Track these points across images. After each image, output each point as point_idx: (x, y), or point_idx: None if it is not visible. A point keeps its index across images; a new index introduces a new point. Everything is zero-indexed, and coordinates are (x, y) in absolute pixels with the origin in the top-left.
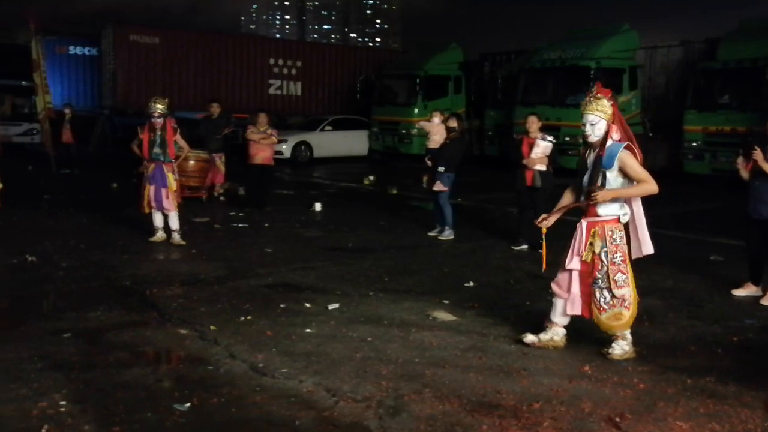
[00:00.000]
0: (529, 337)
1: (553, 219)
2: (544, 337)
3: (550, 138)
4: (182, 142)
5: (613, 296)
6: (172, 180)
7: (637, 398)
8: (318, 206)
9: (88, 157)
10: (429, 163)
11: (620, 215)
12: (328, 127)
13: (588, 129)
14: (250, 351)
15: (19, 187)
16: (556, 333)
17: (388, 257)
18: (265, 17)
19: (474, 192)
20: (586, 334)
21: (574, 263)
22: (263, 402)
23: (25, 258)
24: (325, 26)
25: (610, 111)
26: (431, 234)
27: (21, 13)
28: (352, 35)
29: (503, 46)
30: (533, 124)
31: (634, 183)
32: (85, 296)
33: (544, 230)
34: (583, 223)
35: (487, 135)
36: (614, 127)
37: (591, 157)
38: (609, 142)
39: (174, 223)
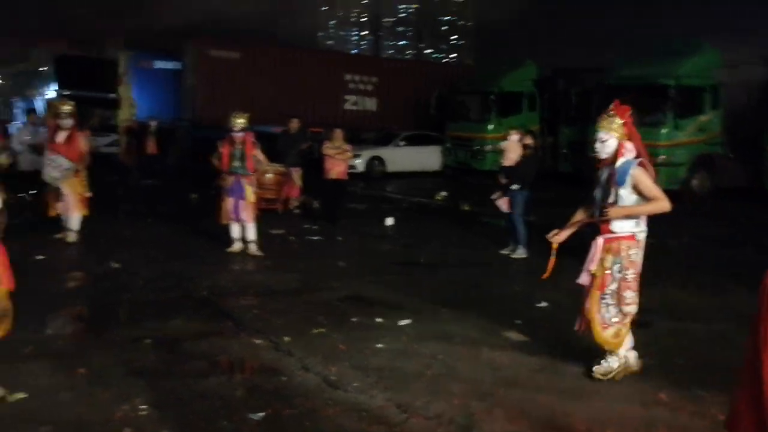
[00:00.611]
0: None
1: (564, 234)
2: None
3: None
4: (261, 156)
5: (620, 312)
6: (250, 192)
7: (715, 430)
8: (390, 221)
9: (169, 169)
10: (503, 180)
11: (636, 232)
12: (402, 142)
13: (598, 146)
14: (323, 363)
15: (105, 197)
16: (629, 358)
17: (460, 274)
18: (341, 33)
19: (547, 209)
20: (663, 360)
21: (583, 278)
22: (335, 415)
23: (109, 266)
24: (400, 42)
25: (621, 130)
26: (504, 252)
27: (111, 28)
28: (426, 51)
29: (578, 62)
30: None
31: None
32: (165, 305)
33: (555, 245)
34: (599, 240)
35: (561, 152)
36: (627, 145)
37: (604, 174)
38: (621, 160)
39: (251, 234)
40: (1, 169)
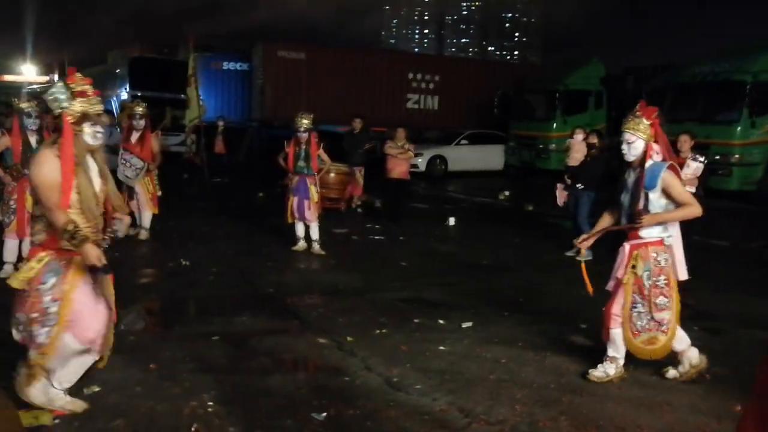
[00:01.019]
0: (671, 372)
1: (591, 240)
2: (683, 369)
3: (702, 159)
4: (324, 156)
5: (651, 319)
6: (314, 192)
7: None
8: (452, 221)
9: (238, 167)
10: (568, 180)
11: (664, 237)
12: (464, 141)
13: (624, 147)
14: (386, 365)
15: (175, 195)
16: (691, 358)
17: (524, 276)
18: (404, 32)
19: None
20: (737, 369)
21: (610, 285)
22: (397, 417)
23: (179, 262)
24: (464, 40)
25: (649, 131)
26: (568, 254)
27: (182, 31)
28: (490, 49)
29: (647, 61)
30: (685, 143)
31: (674, 205)
32: (232, 301)
33: (583, 251)
34: (626, 246)
35: None
36: (655, 147)
37: (631, 178)
38: (649, 162)
39: (315, 233)
40: None
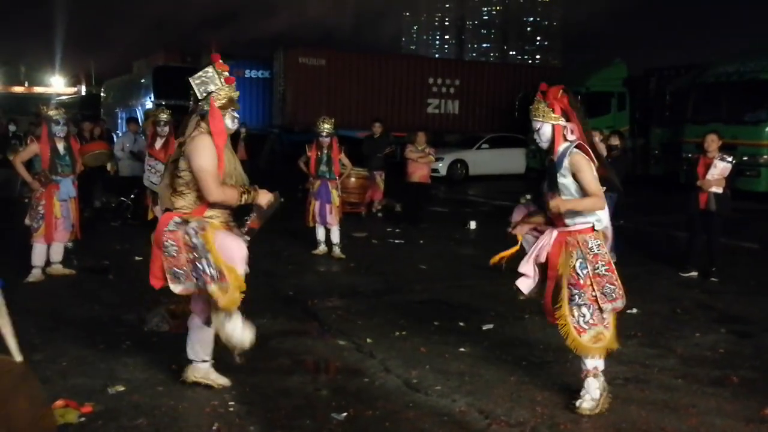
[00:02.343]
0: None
1: (525, 228)
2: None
3: (730, 159)
4: (346, 160)
5: (599, 311)
6: (335, 196)
7: None
8: (473, 224)
9: (259, 173)
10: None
11: (593, 222)
12: (485, 145)
13: (535, 137)
14: (405, 366)
15: None
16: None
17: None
18: (425, 37)
19: (637, 213)
20: (767, 373)
21: (528, 268)
22: (416, 418)
23: None
24: (484, 44)
25: (551, 113)
26: None
27: (205, 40)
28: (511, 53)
29: (670, 62)
30: (713, 143)
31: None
32: (253, 303)
33: (519, 237)
34: (554, 232)
35: (653, 153)
36: (569, 127)
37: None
38: (562, 146)
39: (336, 237)
40: (109, 174)
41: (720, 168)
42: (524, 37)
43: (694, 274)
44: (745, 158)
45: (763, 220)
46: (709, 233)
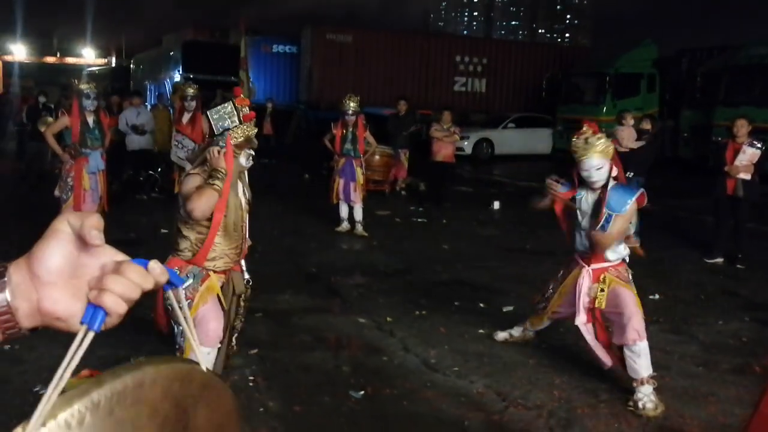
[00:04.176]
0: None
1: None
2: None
3: (759, 144)
4: (371, 139)
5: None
6: (360, 174)
7: None
8: (497, 205)
9: (285, 149)
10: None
11: (625, 256)
12: (511, 125)
13: (593, 175)
14: (424, 346)
15: None
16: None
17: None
18: (453, 14)
19: (664, 197)
20: None
21: (581, 318)
22: (434, 398)
23: None
24: (513, 22)
25: (611, 149)
26: None
27: (234, 15)
28: (540, 31)
29: (702, 42)
30: (742, 128)
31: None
32: (276, 279)
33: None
34: (589, 270)
35: (682, 136)
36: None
37: (590, 198)
38: (612, 183)
39: (358, 215)
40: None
41: (749, 154)
42: (554, 16)
43: (720, 260)
44: None
45: None
46: (736, 219)
